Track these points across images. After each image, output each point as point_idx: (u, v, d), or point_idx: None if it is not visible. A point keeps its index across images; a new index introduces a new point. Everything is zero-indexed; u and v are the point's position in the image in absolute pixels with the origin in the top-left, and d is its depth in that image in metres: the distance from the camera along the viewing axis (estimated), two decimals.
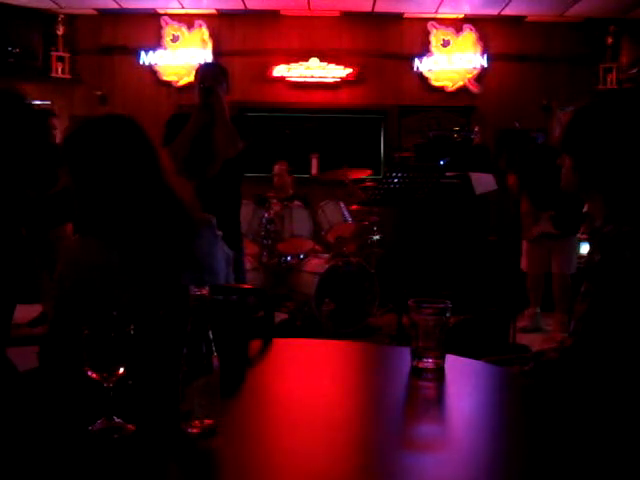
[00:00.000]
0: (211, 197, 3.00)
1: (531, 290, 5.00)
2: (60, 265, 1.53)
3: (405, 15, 6.95)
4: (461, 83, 7.02)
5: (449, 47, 7.01)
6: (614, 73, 6.80)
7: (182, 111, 3.45)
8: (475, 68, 7.00)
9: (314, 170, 6.87)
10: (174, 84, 6.98)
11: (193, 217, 1.63)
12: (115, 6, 6.67)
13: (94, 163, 1.53)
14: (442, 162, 5.71)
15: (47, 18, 6.75)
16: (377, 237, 5.40)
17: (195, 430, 1.00)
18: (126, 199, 1.54)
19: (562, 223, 4.64)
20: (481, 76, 7.02)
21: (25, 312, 4.64)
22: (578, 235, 4.73)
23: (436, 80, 7.03)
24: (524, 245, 4.91)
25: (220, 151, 3.03)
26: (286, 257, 5.05)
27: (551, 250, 4.82)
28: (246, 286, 1.71)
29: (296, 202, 5.31)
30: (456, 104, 7.04)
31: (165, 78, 6.99)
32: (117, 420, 1.02)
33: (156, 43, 6.98)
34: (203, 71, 3.20)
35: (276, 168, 5.82)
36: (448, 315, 1.33)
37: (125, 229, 1.53)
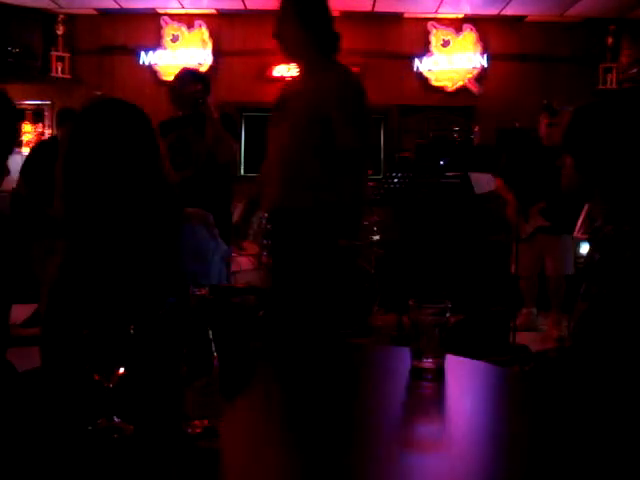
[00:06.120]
0: (199, 192, 3.08)
1: (525, 292, 4.95)
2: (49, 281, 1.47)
3: (405, 15, 6.94)
4: (461, 83, 7.01)
5: (449, 47, 7.00)
6: (614, 73, 6.78)
7: (177, 115, 3.48)
8: (475, 68, 6.99)
9: None
10: None
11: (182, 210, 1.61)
12: (115, 6, 6.66)
13: (101, 151, 1.46)
14: (442, 162, 5.71)
15: (47, 18, 6.74)
16: (377, 237, 5.39)
17: (195, 430, 1.00)
18: (125, 193, 1.47)
19: (553, 214, 4.59)
20: (481, 76, 7.01)
21: (20, 312, 4.61)
22: (578, 235, 4.69)
23: (436, 80, 7.02)
24: (514, 248, 4.81)
25: (217, 158, 3.12)
26: None
27: (544, 251, 4.76)
28: (246, 286, 1.71)
29: None
30: (456, 104, 7.02)
31: (165, 78, 6.96)
32: (117, 420, 1.02)
33: (156, 43, 6.96)
34: (187, 80, 3.25)
35: None
36: (448, 315, 1.33)
37: (117, 226, 1.48)
